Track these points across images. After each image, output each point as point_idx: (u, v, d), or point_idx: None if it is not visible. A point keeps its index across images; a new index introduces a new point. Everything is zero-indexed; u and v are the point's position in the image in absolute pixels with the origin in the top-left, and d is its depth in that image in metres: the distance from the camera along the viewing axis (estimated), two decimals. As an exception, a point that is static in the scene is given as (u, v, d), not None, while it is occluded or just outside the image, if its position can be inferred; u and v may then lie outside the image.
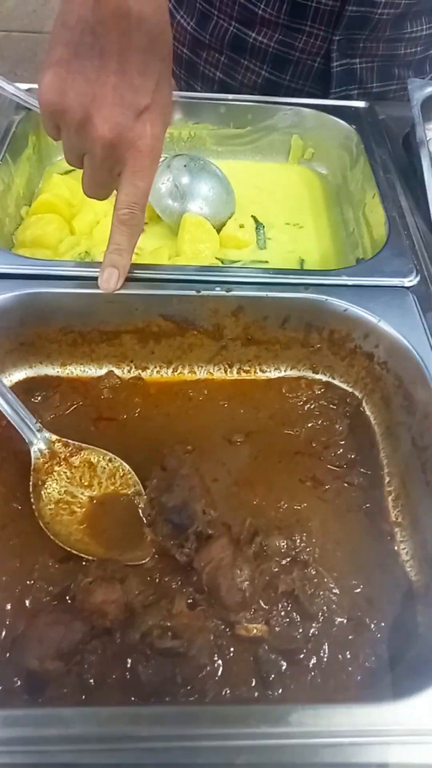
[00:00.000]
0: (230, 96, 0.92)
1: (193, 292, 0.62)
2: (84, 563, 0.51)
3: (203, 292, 0.62)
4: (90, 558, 0.51)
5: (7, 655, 0.46)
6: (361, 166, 0.83)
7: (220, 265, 0.75)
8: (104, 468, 0.57)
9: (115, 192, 0.58)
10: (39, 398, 0.63)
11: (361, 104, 0.91)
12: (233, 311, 0.63)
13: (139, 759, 0.35)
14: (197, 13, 0.94)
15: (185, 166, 0.80)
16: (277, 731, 0.36)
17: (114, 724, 0.36)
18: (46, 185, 0.82)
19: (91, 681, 0.43)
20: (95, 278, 0.61)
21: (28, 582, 0.50)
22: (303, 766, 0.36)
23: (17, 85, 0.83)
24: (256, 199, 0.87)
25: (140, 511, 0.55)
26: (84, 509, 0.55)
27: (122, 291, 0.61)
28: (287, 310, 0.64)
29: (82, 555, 0.52)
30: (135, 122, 0.51)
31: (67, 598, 0.49)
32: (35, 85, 0.84)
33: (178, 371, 0.68)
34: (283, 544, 0.54)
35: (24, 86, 0.83)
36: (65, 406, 0.64)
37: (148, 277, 0.63)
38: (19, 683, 0.44)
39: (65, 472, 0.56)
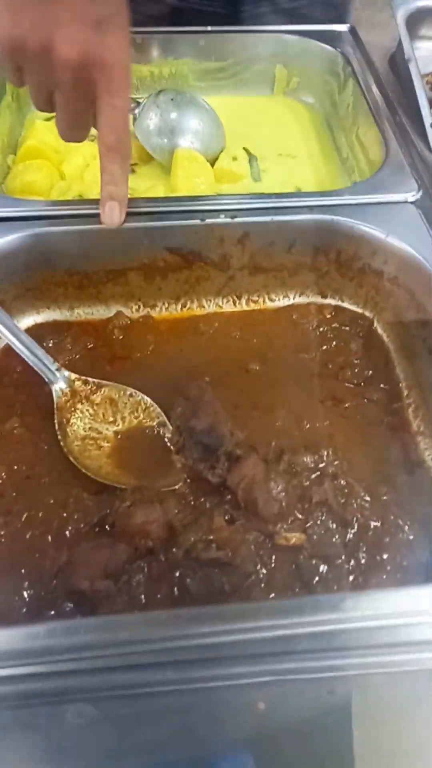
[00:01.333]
0: (209, 27, 0.89)
1: (198, 222, 0.61)
2: (118, 492, 0.51)
3: (208, 221, 0.61)
4: (123, 487, 0.52)
5: (54, 582, 0.46)
6: (350, 90, 0.82)
7: (223, 193, 0.73)
8: (126, 403, 0.57)
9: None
10: (51, 343, 0.63)
11: (342, 28, 0.89)
12: (239, 239, 0.63)
13: (203, 653, 0.36)
14: None
15: (172, 100, 0.78)
16: (333, 617, 0.38)
17: (175, 624, 0.37)
18: (29, 132, 0.79)
19: (142, 597, 0.44)
20: (96, 215, 0.60)
21: (64, 515, 0.51)
22: (360, 648, 0.38)
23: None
24: (245, 132, 0.85)
25: (166, 440, 0.55)
26: (111, 444, 0.55)
27: (126, 225, 0.60)
28: (293, 233, 0.63)
29: (115, 485, 0.52)
30: (98, 36, 0.47)
31: (106, 526, 0.49)
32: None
33: (187, 306, 0.67)
34: (310, 460, 0.54)
35: None
36: (78, 349, 0.63)
37: (151, 210, 0.62)
38: (70, 606, 0.44)
39: (88, 410, 0.56)
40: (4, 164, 0.76)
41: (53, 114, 0.84)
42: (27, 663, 0.37)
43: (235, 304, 0.68)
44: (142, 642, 0.37)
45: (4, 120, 0.78)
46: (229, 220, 0.61)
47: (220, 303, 0.68)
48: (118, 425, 0.56)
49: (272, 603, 0.43)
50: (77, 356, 0.63)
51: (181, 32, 0.88)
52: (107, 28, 0.48)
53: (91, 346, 0.63)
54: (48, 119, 0.83)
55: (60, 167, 0.76)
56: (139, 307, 0.66)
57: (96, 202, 0.60)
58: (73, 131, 0.54)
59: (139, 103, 0.79)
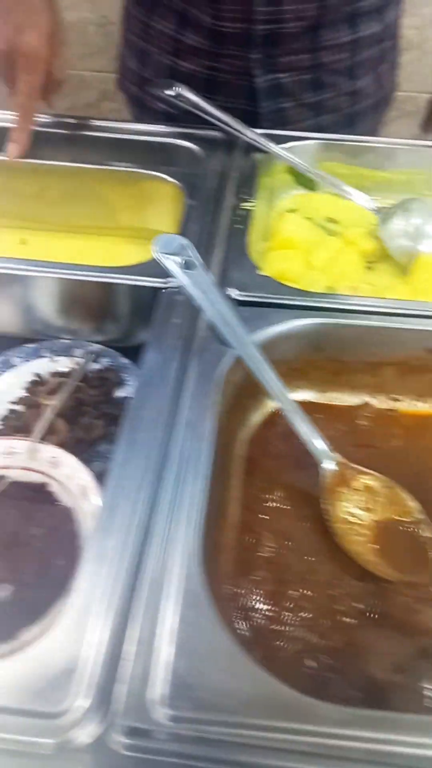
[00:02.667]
0: (446, 142, 0.96)
1: (464, 328, 0.64)
2: (383, 584, 0.53)
3: None
4: (385, 578, 0.53)
5: (334, 662, 0.48)
6: None
7: None
8: (384, 493, 0.59)
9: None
10: (303, 422, 0.67)
11: None
12: None
13: None
14: (139, 52, 1.03)
15: (418, 208, 0.84)
16: None
17: None
18: (280, 223, 0.88)
19: (428, 699, 0.45)
20: (368, 312, 0.65)
21: (331, 593, 0.53)
22: None
23: (253, 129, 0.90)
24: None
25: (423, 536, 0.57)
26: (369, 531, 0.58)
27: (391, 324, 0.65)
28: None
29: (376, 573, 0.54)
30: (18, 36, 0.74)
31: (374, 614, 0.51)
32: (271, 131, 0.92)
33: (430, 404, 0.70)
34: None
35: (259, 131, 0.90)
36: (328, 432, 0.67)
37: (418, 313, 0.66)
38: (358, 693, 0.46)
39: (349, 494, 0.59)
40: (259, 250, 0.84)
41: (294, 207, 0.94)
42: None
43: (475, 408, 0.70)
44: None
45: (261, 211, 0.87)
46: None
47: (462, 406, 0.70)
48: (375, 514, 0.59)
49: None
50: (327, 438, 0.66)
51: (414, 146, 0.95)
52: (27, 32, 0.74)
53: (340, 429, 0.67)
54: (291, 210, 0.92)
55: (308, 258, 0.83)
56: (386, 399, 0.70)
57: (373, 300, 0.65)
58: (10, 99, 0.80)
59: (383, 208, 0.85)
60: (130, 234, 0.92)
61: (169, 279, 0.67)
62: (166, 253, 0.62)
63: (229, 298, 0.65)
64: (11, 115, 0.82)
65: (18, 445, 0.62)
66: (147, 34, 0.99)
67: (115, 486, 0.51)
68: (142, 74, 1.04)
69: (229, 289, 0.67)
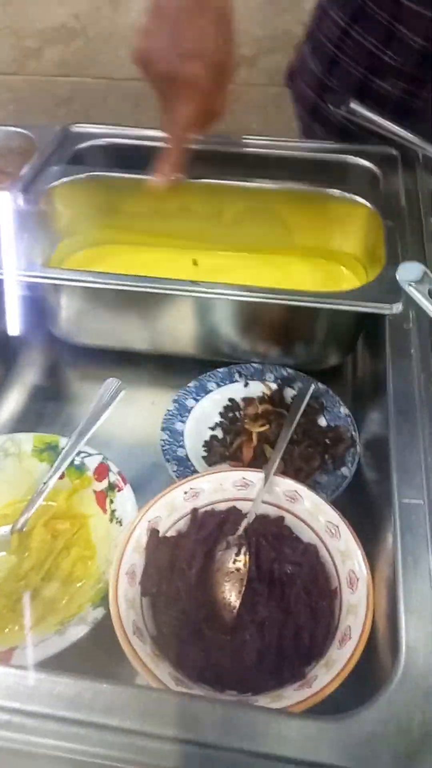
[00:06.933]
0: None
1: None
2: None
3: None
4: None
5: None
6: None
7: None
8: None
9: None
10: None
11: None
12: None
13: None
14: (326, 57, 0.96)
15: None
16: None
17: None
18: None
19: None
20: None
21: None
22: None
23: None
24: None
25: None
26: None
27: None
28: None
29: None
30: (184, 63, 0.67)
31: None
32: None
33: None
34: None
35: None
36: None
37: None
38: None
39: None
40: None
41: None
42: None
43: None
44: None
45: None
46: None
47: None
48: None
49: None
50: None
51: None
52: (196, 59, 0.67)
53: None
54: None
55: None
56: None
57: None
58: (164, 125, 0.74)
59: None
60: (305, 254, 0.91)
61: (394, 305, 0.65)
62: (412, 282, 0.60)
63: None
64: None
65: (251, 476, 0.61)
66: (342, 42, 0.93)
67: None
68: (325, 81, 0.98)
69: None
